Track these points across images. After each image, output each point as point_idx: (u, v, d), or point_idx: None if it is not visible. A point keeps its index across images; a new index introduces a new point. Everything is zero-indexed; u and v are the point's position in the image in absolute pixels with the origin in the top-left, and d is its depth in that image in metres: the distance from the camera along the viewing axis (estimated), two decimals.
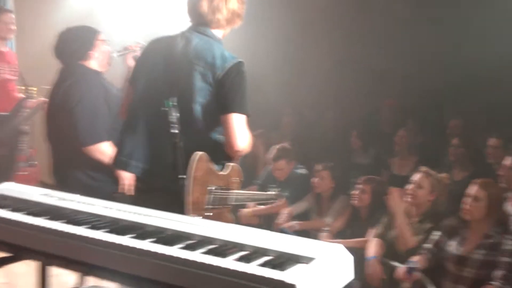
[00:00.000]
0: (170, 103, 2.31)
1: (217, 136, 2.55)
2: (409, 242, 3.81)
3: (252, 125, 2.63)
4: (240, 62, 2.51)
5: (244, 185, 5.46)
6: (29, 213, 1.89)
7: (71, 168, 3.23)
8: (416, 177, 3.92)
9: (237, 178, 2.71)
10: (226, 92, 2.46)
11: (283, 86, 6.76)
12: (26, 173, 6.15)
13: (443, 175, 4.02)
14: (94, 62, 3.29)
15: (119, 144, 2.64)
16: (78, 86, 3.17)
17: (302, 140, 6.14)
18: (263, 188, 5.21)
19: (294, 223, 4.71)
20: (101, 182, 3.24)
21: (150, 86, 2.55)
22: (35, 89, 5.71)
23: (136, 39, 3.66)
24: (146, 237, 1.68)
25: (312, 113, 7.14)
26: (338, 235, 4.49)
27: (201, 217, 2.37)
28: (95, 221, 1.84)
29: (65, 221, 1.83)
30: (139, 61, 2.71)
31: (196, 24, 2.60)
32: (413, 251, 3.74)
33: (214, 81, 2.46)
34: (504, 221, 3.45)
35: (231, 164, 2.66)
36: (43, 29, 6.07)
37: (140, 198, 2.59)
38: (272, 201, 3.94)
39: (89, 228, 1.77)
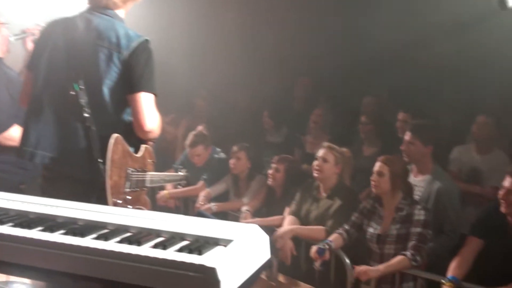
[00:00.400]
0: (78, 87, 2.22)
1: (129, 118, 2.48)
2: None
3: (164, 108, 2.59)
4: (146, 40, 2.45)
5: (162, 169, 5.44)
6: None
7: None
8: (321, 152, 4.06)
9: (151, 160, 2.68)
10: (133, 71, 2.40)
11: (195, 68, 6.69)
12: None
13: (344, 149, 4.17)
14: None
15: (22, 134, 2.50)
16: None
17: (217, 123, 6.13)
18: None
19: (212, 205, 4.72)
20: (6, 173, 3.08)
21: (52, 70, 2.44)
22: None
23: (35, 21, 3.48)
24: (56, 229, 1.61)
25: (225, 95, 7.13)
26: (256, 214, 4.55)
27: (121, 201, 2.34)
28: (0, 215, 1.74)
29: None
30: (38, 44, 2.58)
31: (94, 6, 2.52)
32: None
33: (120, 61, 2.40)
34: (410, 193, 3.65)
35: (145, 145, 2.62)
36: None
37: (50, 188, 2.48)
38: (182, 182, 3.90)
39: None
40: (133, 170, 2.50)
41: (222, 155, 5.25)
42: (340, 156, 4.04)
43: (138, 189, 2.54)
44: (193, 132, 5.21)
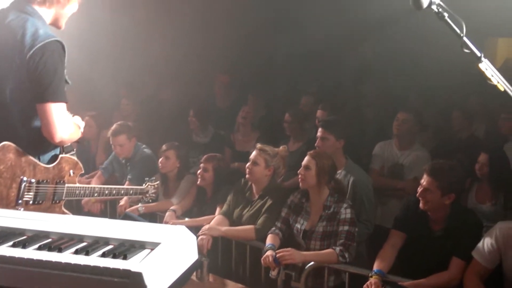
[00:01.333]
0: None
1: (38, 123, 2.34)
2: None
3: (88, 107, 2.49)
4: (55, 40, 2.27)
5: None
6: None
7: None
8: (252, 155, 4.06)
9: (73, 171, 2.55)
10: (37, 77, 2.23)
11: (119, 65, 6.52)
12: None
13: (281, 148, 4.18)
14: None
15: None
16: None
17: (144, 121, 6.01)
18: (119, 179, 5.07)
19: (139, 206, 4.59)
20: None
21: None
22: None
23: None
24: None
25: (150, 93, 7.01)
26: (186, 214, 4.49)
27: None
28: None
29: None
30: None
31: (19, 0, 2.38)
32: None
33: (21, 62, 2.23)
34: (338, 190, 3.73)
35: (63, 155, 2.50)
36: None
37: None
38: (146, 196, 3.76)
39: None
40: (38, 181, 2.37)
41: (147, 151, 5.13)
42: (271, 158, 4.04)
43: (44, 202, 2.40)
44: (117, 122, 5.08)
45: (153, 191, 3.94)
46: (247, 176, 4.04)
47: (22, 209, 2.31)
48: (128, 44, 6.76)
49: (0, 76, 2.26)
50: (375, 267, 3.27)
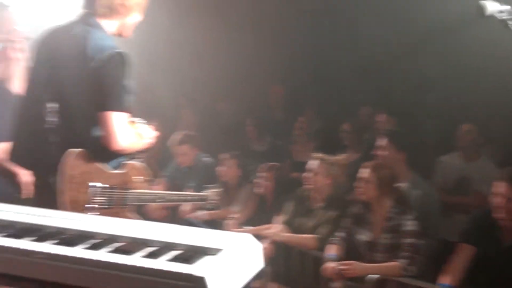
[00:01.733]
0: (51, 99, 2.24)
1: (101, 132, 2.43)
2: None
3: (149, 116, 2.57)
4: (118, 52, 2.35)
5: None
6: None
7: None
8: (311, 164, 4.05)
9: (140, 177, 2.62)
10: (102, 87, 2.32)
11: (177, 77, 6.66)
12: None
13: (340, 156, 4.16)
14: None
15: (13, 140, 2.51)
16: None
17: (203, 131, 6.13)
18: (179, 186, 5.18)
19: (201, 213, 4.69)
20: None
21: (34, 80, 2.44)
22: None
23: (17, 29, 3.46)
24: (46, 239, 1.60)
25: (208, 103, 7.13)
26: (246, 222, 4.54)
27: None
28: None
29: None
30: (33, 54, 2.56)
31: (83, 13, 2.50)
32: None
33: (88, 74, 2.32)
34: (401, 201, 3.65)
35: (130, 162, 2.58)
36: None
37: (40, 197, 2.46)
38: (208, 204, 3.84)
39: None
40: (106, 187, 2.45)
41: (208, 159, 5.23)
42: (330, 167, 4.03)
43: (113, 206, 2.48)
44: (181, 132, 5.20)
45: (214, 198, 3.99)
46: (307, 185, 4.04)
47: (93, 213, 2.41)
48: (186, 54, 6.90)
49: (66, 86, 2.36)
50: (443, 281, 3.17)
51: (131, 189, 2.58)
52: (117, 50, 2.35)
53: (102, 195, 2.45)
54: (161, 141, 5.87)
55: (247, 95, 6.69)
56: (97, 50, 2.32)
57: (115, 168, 2.54)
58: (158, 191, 4.59)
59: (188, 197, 3.68)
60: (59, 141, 2.27)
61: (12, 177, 2.97)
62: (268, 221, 4.33)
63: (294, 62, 6.91)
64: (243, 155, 5.18)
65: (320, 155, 4.09)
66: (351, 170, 4.41)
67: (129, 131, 2.42)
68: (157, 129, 5.77)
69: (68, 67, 2.36)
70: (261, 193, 4.54)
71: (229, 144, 5.53)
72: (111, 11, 2.49)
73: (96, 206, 2.44)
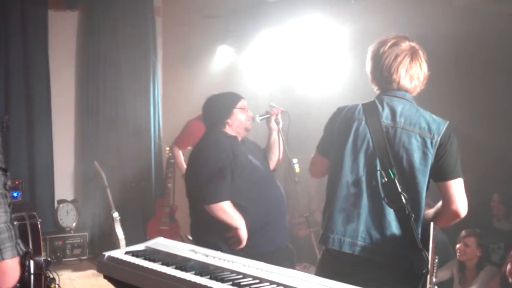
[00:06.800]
0: (392, 173, 2.27)
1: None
2: None
3: None
4: (449, 122, 2.40)
5: None
6: (177, 268, 1.99)
7: (205, 231, 3.31)
8: None
9: None
10: (446, 158, 2.35)
11: None
12: (167, 228, 6.56)
13: None
14: (230, 129, 3.40)
15: (328, 220, 2.50)
16: (207, 151, 3.32)
17: None
18: None
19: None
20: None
21: (357, 156, 2.44)
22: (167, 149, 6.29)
23: (271, 103, 3.83)
24: None
25: None
26: None
27: None
28: (237, 279, 1.89)
29: (209, 277, 1.90)
30: (328, 130, 2.62)
31: (386, 90, 2.50)
32: None
33: (433, 147, 2.35)
34: None
35: None
36: (187, 93, 6.57)
37: (335, 270, 2.38)
38: None
39: (230, 285, 1.82)
40: None
41: (442, 236, 4.92)
42: None
43: None
44: None
45: None
46: None
47: None
48: None
49: (409, 162, 2.36)
50: None
51: None
52: (447, 121, 2.43)
53: None
54: None
55: (495, 166, 6.12)
56: (436, 123, 2.40)
57: None
58: None
59: None
60: (409, 215, 2.29)
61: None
62: None
63: None
64: (486, 233, 4.77)
65: None
66: None
67: (465, 197, 2.43)
68: None
69: (407, 142, 2.41)
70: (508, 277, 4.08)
71: (471, 219, 5.13)
72: (421, 85, 2.55)
73: None
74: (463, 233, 4.54)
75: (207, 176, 3.20)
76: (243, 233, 3.18)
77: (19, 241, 1.55)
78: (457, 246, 4.55)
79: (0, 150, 1.41)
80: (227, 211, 3.19)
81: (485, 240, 4.54)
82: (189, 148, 5.73)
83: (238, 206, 3.21)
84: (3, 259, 1.49)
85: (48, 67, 6.75)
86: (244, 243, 3.19)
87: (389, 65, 2.44)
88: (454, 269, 4.65)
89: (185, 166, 5.75)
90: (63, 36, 6.91)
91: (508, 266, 4.05)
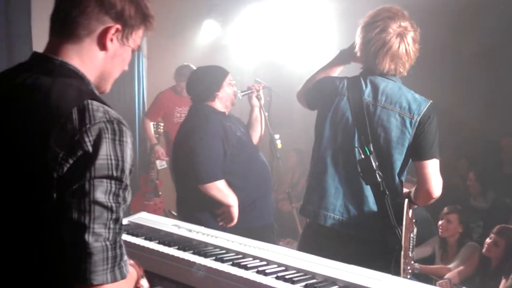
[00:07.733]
0: (369, 151, 2.27)
1: (401, 179, 2.45)
2: None
3: None
4: (431, 103, 2.38)
5: None
6: (160, 243, 1.98)
7: (194, 208, 3.26)
8: None
9: None
10: (424, 138, 2.34)
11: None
12: (151, 203, 6.53)
13: None
14: (219, 103, 3.32)
15: (306, 193, 2.55)
16: (199, 129, 3.22)
17: None
18: None
19: (415, 265, 4.44)
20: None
21: (336, 131, 2.44)
22: (162, 125, 6.21)
23: (256, 79, 3.78)
24: (269, 273, 1.68)
25: None
26: (464, 283, 4.18)
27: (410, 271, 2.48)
28: (220, 254, 1.88)
29: (192, 252, 1.89)
30: (316, 90, 2.60)
31: (372, 71, 2.44)
32: None
33: (412, 126, 2.34)
34: None
35: None
36: (171, 67, 6.49)
37: (315, 243, 2.43)
38: None
39: (213, 260, 1.82)
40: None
41: (425, 213, 4.97)
42: None
43: None
44: None
45: None
46: None
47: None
48: None
49: (387, 140, 2.37)
50: None
51: None
52: (430, 101, 2.42)
53: None
54: None
55: (473, 147, 6.18)
56: (417, 103, 2.38)
57: None
58: None
59: None
60: (384, 192, 2.32)
61: None
62: (493, 284, 3.92)
63: None
64: (465, 210, 4.82)
65: None
66: None
67: (440, 179, 2.41)
68: None
69: (385, 120, 2.43)
70: (488, 255, 4.13)
71: (447, 196, 5.18)
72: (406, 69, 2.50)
73: None
74: (445, 209, 4.57)
75: (200, 155, 3.13)
76: (235, 211, 3.16)
77: (123, 262, 1.24)
78: (439, 222, 4.59)
79: (112, 157, 1.21)
80: (222, 190, 3.16)
81: (466, 216, 4.57)
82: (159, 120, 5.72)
83: (230, 184, 3.19)
84: (92, 285, 1.17)
85: (31, 35, 6.57)
86: (235, 221, 3.18)
87: (376, 53, 2.36)
88: (436, 246, 4.70)
89: (154, 138, 5.77)
90: (46, 3, 6.72)
91: (488, 241, 4.11)
